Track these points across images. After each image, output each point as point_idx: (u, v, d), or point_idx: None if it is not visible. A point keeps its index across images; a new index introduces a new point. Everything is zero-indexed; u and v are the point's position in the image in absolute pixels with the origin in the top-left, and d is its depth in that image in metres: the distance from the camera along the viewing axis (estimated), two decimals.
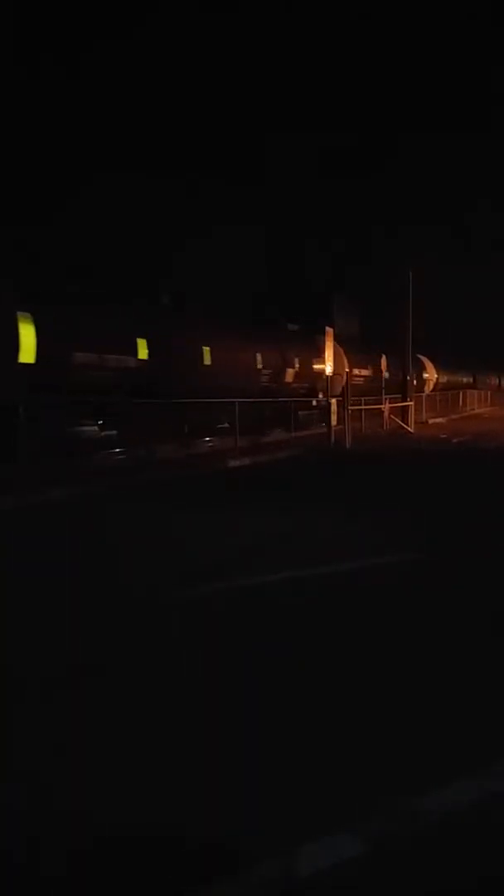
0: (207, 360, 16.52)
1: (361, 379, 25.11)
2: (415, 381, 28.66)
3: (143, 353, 13.95)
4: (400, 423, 23.45)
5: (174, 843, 2.52)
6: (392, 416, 23.70)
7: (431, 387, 35.69)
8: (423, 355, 34.69)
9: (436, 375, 37.19)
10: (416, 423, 24.23)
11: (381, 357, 28.19)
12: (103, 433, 13.40)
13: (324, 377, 19.95)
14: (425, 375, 34.61)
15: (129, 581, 5.90)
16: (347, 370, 20.84)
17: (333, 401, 18.97)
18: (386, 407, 23.71)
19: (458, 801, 2.73)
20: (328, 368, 19.72)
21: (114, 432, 13.61)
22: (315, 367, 21.33)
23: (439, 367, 37.90)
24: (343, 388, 19.42)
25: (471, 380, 46.57)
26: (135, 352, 13.84)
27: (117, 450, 13.57)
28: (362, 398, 22.54)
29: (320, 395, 20.93)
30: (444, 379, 38.45)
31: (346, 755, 3.10)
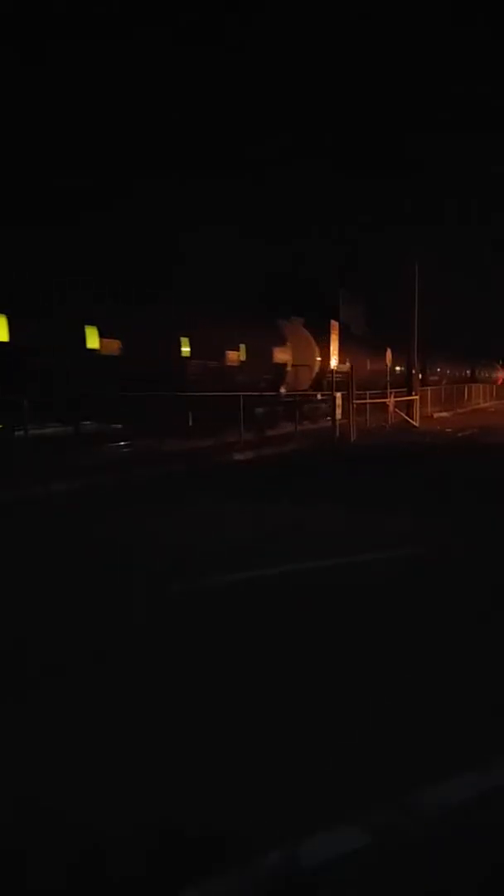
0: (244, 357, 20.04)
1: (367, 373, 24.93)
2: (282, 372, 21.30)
3: (243, 355, 19.40)
4: (405, 416, 23.36)
5: (174, 835, 2.52)
6: (396, 410, 23.61)
7: (312, 377, 23.26)
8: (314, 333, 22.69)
9: (318, 359, 23.24)
10: (420, 417, 24.15)
11: (385, 350, 28.10)
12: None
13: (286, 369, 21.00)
14: (282, 357, 20.78)
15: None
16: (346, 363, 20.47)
17: (338, 395, 18.91)
18: (391, 401, 23.60)
19: (460, 793, 2.72)
20: (333, 362, 19.69)
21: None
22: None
23: (361, 350, 25.17)
24: (348, 382, 19.33)
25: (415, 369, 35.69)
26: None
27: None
28: (367, 392, 22.45)
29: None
30: (345, 364, 21.11)
31: (347, 746, 3.09)
